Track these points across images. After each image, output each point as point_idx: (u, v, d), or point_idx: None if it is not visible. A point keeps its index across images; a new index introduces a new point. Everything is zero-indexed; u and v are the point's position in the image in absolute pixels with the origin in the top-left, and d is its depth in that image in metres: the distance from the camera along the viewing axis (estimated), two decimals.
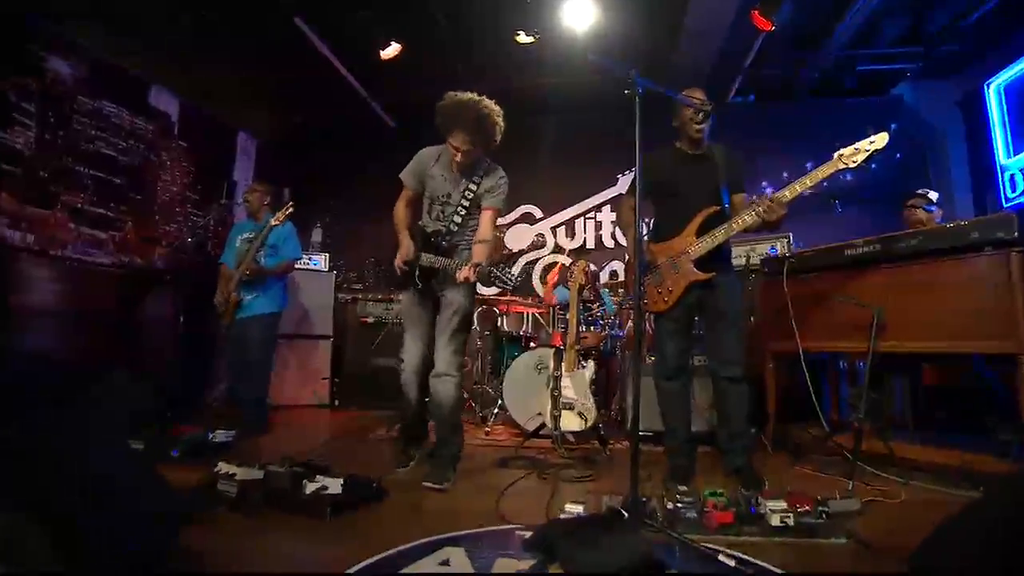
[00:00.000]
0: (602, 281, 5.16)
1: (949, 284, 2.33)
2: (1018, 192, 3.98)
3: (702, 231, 2.42)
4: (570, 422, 3.08)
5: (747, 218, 2.34)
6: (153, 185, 4.32)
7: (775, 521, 1.74)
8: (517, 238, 5.82)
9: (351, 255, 6.15)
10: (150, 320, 4.11)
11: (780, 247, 4.01)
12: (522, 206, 5.86)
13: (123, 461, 1.53)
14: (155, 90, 4.32)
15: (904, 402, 3.05)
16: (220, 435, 2.98)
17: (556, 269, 3.57)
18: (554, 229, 5.79)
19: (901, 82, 4.97)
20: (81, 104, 3.67)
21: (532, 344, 3.91)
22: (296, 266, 4.24)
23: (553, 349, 3.29)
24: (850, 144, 2.43)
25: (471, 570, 1.49)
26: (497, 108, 2.54)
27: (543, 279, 5.71)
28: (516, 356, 4.22)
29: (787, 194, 2.30)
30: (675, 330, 2.47)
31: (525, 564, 1.50)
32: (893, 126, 5.02)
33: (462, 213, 2.55)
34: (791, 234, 4.07)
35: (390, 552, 1.60)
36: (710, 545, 1.60)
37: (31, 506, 1.13)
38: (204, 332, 3.64)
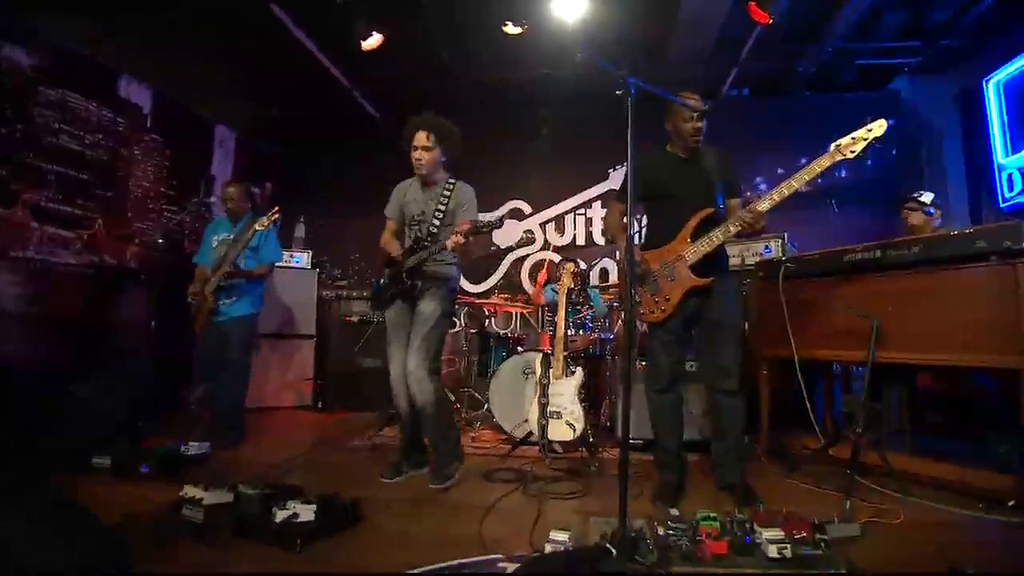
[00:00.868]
0: (592, 280, 5.05)
1: (951, 294, 2.24)
2: (1016, 192, 3.91)
3: (697, 235, 2.31)
4: (558, 431, 2.98)
5: (736, 224, 2.25)
6: (124, 181, 4.13)
7: (772, 552, 1.65)
8: (505, 234, 5.68)
9: (335, 251, 6.00)
10: (123, 322, 3.94)
11: (775, 247, 3.92)
12: (510, 202, 5.72)
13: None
14: (125, 80, 4.11)
15: (901, 406, 2.97)
16: (194, 447, 2.85)
17: (545, 268, 3.45)
18: (543, 225, 5.67)
19: (898, 77, 4.87)
20: (43, 96, 3.47)
21: (520, 348, 3.79)
22: (277, 264, 4.09)
23: (540, 354, 3.19)
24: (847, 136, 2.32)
25: None
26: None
27: (532, 277, 5.60)
28: (504, 357, 4.14)
29: (775, 197, 2.21)
30: (670, 341, 2.36)
31: None
32: (890, 121, 4.90)
33: (437, 224, 2.63)
34: (786, 234, 3.98)
35: None
36: None
37: None
38: (181, 333, 3.47)
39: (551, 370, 3.09)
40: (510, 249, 5.68)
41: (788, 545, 1.67)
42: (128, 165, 4.17)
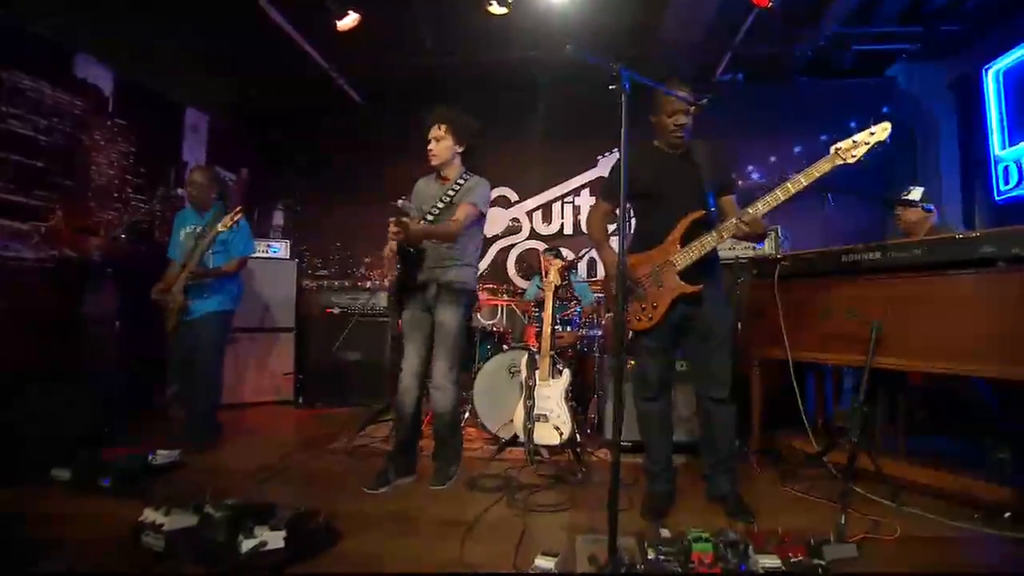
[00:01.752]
0: (580, 270, 4.91)
1: (955, 299, 2.15)
2: (1012, 185, 3.83)
3: (687, 239, 2.17)
4: (544, 435, 2.89)
5: (730, 232, 2.11)
6: (85, 169, 3.88)
7: None
8: (491, 223, 5.51)
9: (316, 239, 5.81)
10: (89, 319, 3.74)
11: (768, 241, 3.82)
12: (496, 189, 5.52)
13: None
14: (81, 60, 3.82)
15: (896, 409, 2.91)
16: (162, 456, 2.71)
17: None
18: (530, 213, 5.51)
19: (896, 62, 4.73)
20: None
21: (505, 346, 3.67)
22: (255, 255, 3.90)
23: (526, 354, 3.07)
24: (844, 133, 2.17)
25: None
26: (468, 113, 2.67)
27: (519, 267, 5.47)
28: (489, 351, 4.02)
29: (770, 202, 2.07)
30: (658, 349, 2.25)
31: None
32: (885, 109, 4.82)
33: (436, 212, 2.56)
34: (779, 227, 3.87)
35: None
36: None
37: None
38: (153, 328, 3.29)
39: (537, 371, 2.99)
40: (496, 238, 5.53)
41: (784, 572, 1.59)
42: (89, 152, 3.90)
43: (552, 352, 3.04)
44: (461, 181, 2.61)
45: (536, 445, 2.89)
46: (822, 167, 2.02)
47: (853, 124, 4.85)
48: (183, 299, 3.12)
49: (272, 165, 5.78)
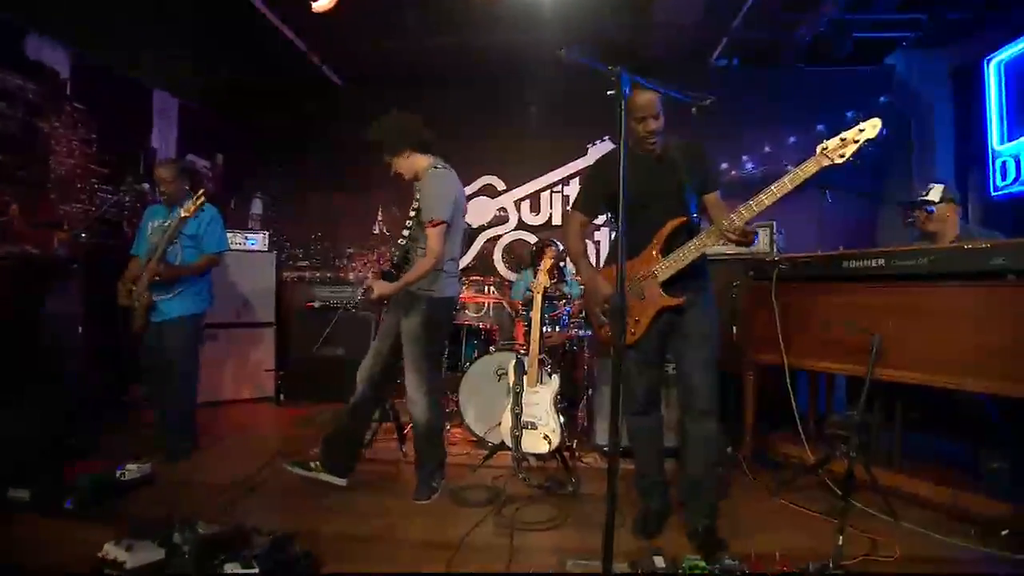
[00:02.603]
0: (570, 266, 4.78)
1: (962, 312, 2.07)
2: (1009, 180, 3.75)
3: (668, 247, 2.05)
4: (533, 443, 2.79)
5: (713, 239, 1.99)
6: (43, 158, 3.63)
7: None
8: (478, 213, 5.36)
9: (295, 229, 5.60)
10: (53, 319, 3.54)
11: (763, 236, 3.72)
12: (482, 177, 5.36)
13: None
14: (33, 40, 3.55)
15: (894, 419, 2.85)
16: (132, 471, 2.56)
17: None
18: (517, 203, 5.34)
19: (896, 51, 4.60)
20: None
21: (492, 347, 3.55)
22: (231, 247, 3.71)
23: (514, 359, 2.96)
24: (841, 123, 2.08)
25: None
26: (384, 117, 2.52)
27: (506, 258, 5.33)
28: (476, 348, 3.92)
29: (754, 208, 1.92)
30: (645, 362, 2.12)
31: None
32: (883, 98, 4.70)
33: (409, 227, 2.50)
34: (775, 222, 3.77)
35: None
36: None
37: None
38: (125, 327, 3.10)
39: (525, 376, 2.88)
40: (482, 228, 5.37)
41: None
42: (46, 140, 3.65)
43: (541, 355, 2.94)
44: (422, 180, 2.52)
45: (524, 453, 2.80)
46: (808, 169, 1.87)
47: (850, 114, 4.74)
48: (148, 296, 2.94)
49: (249, 151, 5.52)
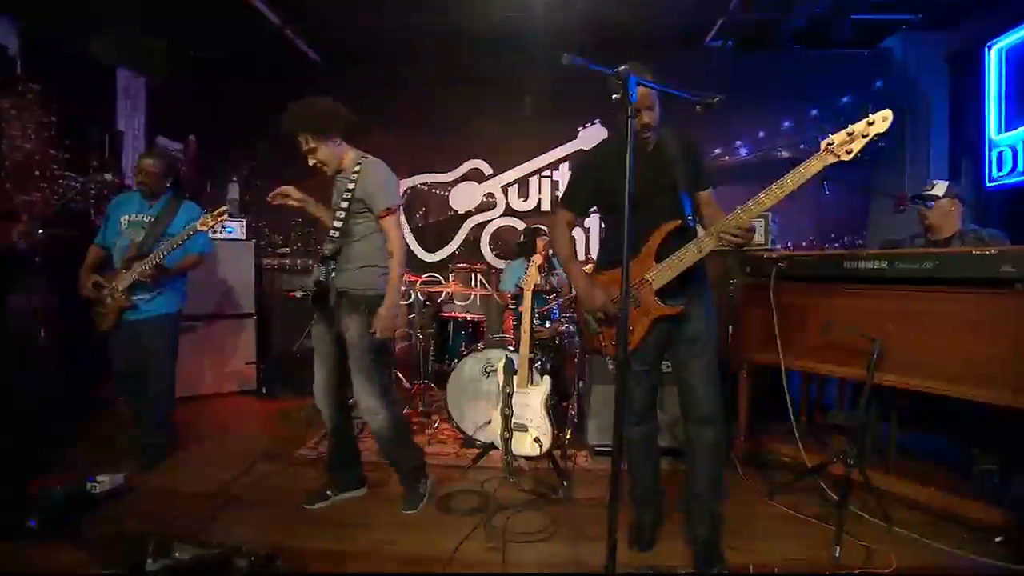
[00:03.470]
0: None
1: (966, 319, 2.02)
2: (1005, 172, 3.70)
3: (663, 252, 1.91)
4: (524, 446, 2.73)
5: (711, 244, 1.85)
6: None
7: None
8: (464, 198, 5.20)
9: (275, 214, 5.36)
10: (14, 317, 3.34)
11: (758, 226, 3.64)
12: (469, 161, 5.19)
13: None
14: None
15: (891, 421, 2.82)
16: (103, 482, 2.43)
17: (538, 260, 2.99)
18: (505, 188, 5.18)
19: (895, 33, 4.47)
20: None
21: (481, 343, 3.45)
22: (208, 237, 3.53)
23: (504, 359, 2.87)
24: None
25: None
26: (313, 99, 2.27)
27: (493, 245, 5.19)
28: (463, 339, 3.82)
29: (747, 211, 1.79)
30: (640, 372, 2.01)
31: None
32: (878, 83, 4.60)
33: (341, 218, 2.27)
34: (769, 214, 3.69)
35: None
36: None
37: None
38: (90, 324, 2.93)
39: (515, 377, 2.79)
40: (469, 214, 5.22)
41: None
42: None
43: (531, 356, 2.85)
44: (357, 169, 2.28)
45: (515, 456, 2.73)
46: (812, 167, 1.72)
47: (846, 99, 4.65)
48: (126, 298, 2.78)
49: (224, 132, 5.25)
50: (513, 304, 3.74)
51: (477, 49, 4.83)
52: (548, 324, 3.54)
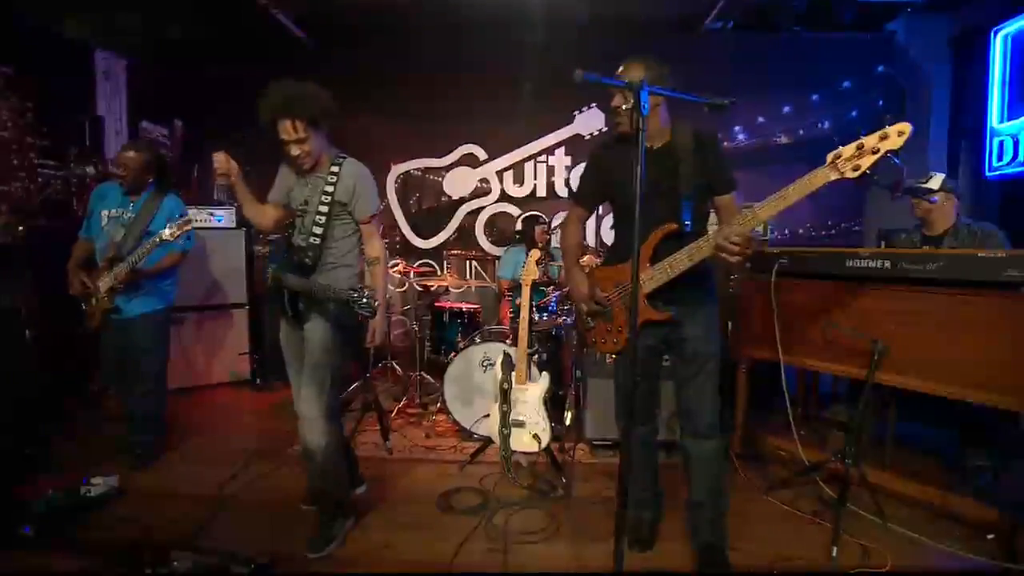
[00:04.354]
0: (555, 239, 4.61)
1: (968, 322, 2.01)
2: (1006, 161, 3.66)
3: (658, 256, 1.86)
4: (521, 442, 2.72)
5: (704, 253, 1.78)
6: None
7: None
8: (459, 184, 5.10)
9: (265, 198, 5.24)
10: None
11: None
12: (463, 146, 5.07)
13: None
14: None
15: (888, 419, 2.83)
16: (97, 484, 2.40)
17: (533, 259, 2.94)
18: (500, 174, 5.09)
19: (897, 16, 4.38)
20: None
21: (477, 336, 3.42)
22: (196, 225, 3.42)
23: (502, 354, 2.84)
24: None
25: None
26: (310, 84, 2.06)
27: (488, 231, 5.12)
28: (458, 332, 3.79)
29: (745, 223, 1.69)
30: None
31: None
32: (879, 68, 4.52)
33: (321, 223, 2.09)
34: None
35: None
36: None
37: None
38: (77, 320, 2.87)
39: (513, 373, 2.77)
40: (463, 200, 5.13)
41: None
42: None
43: (530, 351, 2.83)
44: (335, 169, 2.10)
45: (513, 452, 2.73)
46: (814, 181, 1.61)
47: (847, 84, 4.57)
48: (109, 300, 2.71)
49: (211, 115, 5.07)
50: (510, 295, 3.70)
51: (472, 31, 4.67)
52: (546, 316, 3.52)
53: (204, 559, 1.84)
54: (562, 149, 5.00)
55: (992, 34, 3.70)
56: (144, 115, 4.63)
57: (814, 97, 4.64)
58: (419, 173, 5.12)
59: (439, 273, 5.08)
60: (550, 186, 5.04)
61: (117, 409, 3.06)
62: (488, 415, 2.90)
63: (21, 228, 3.31)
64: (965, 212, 3.29)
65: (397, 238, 5.15)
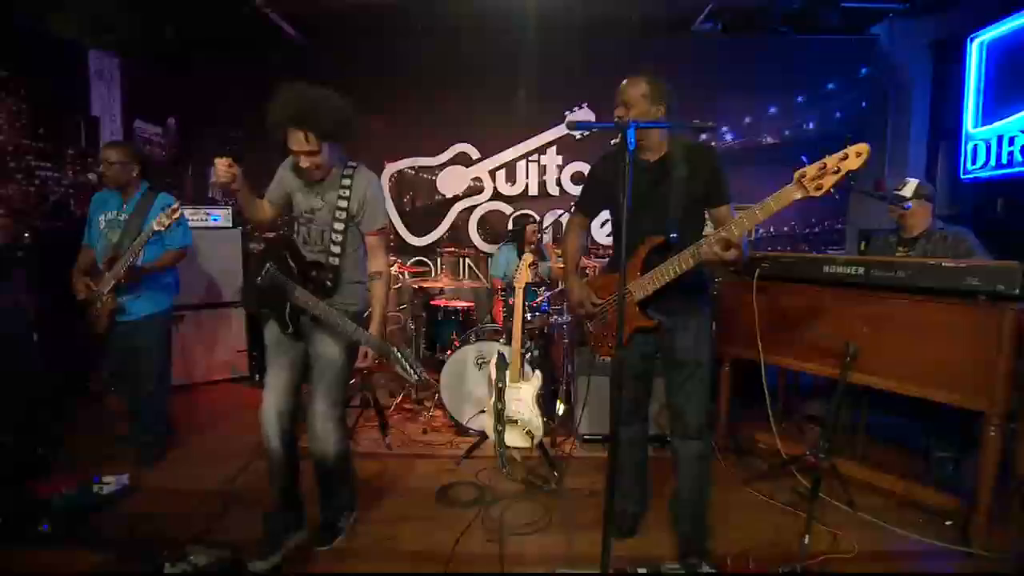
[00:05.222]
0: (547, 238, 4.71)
1: (932, 326, 2.15)
2: (979, 165, 3.82)
3: (648, 266, 1.96)
4: (515, 438, 2.86)
5: (691, 260, 1.87)
6: None
7: None
8: (452, 182, 5.18)
9: (259, 195, 5.29)
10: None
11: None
12: (456, 145, 5.15)
13: None
14: None
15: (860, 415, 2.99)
16: (109, 483, 2.50)
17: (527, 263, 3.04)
18: (493, 172, 5.17)
19: (882, 20, 4.49)
20: None
21: (471, 329, 3.53)
22: (192, 225, 3.47)
23: (496, 353, 2.97)
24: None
25: None
26: (330, 93, 1.97)
27: (481, 229, 5.22)
28: (452, 330, 3.90)
29: (721, 237, 1.77)
30: (627, 375, 2.09)
31: None
32: (864, 70, 4.64)
33: (339, 240, 2.06)
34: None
35: None
36: None
37: None
38: (80, 320, 2.93)
39: (507, 372, 2.89)
40: (456, 198, 5.21)
41: None
42: None
43: (522, 349, 2.95)
44: (347, 181, 2.06)
45: (508, 448, 2.86)
46: (781, 200, 1.69)
47: (831, 86, 4.69)
48: (113, 300, 2.78)
49: (205, 112, 5.10)
50: (503, 293, 3.82)
51: (465, 32, 4.73)
52: (538, 315, 3.63)
53: (219, 554, 1.95)
54: (554, 148, 5.09)
55: (968, 41, 3.83)
56: (139, 114, 4.65)
57: (800, 98, 4.76)
58: (413, 172, 5.20)
59: (433, 270, 5.18)
60: (542, 185, 5.14)
61: (119, 408, 3.15)
62: (483, 411, 3.03)
63: (27, 235, 3.35)
64: (942, 212, 3.42)
65: (391, 236, 5.23)
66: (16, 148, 3.60)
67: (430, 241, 5.26)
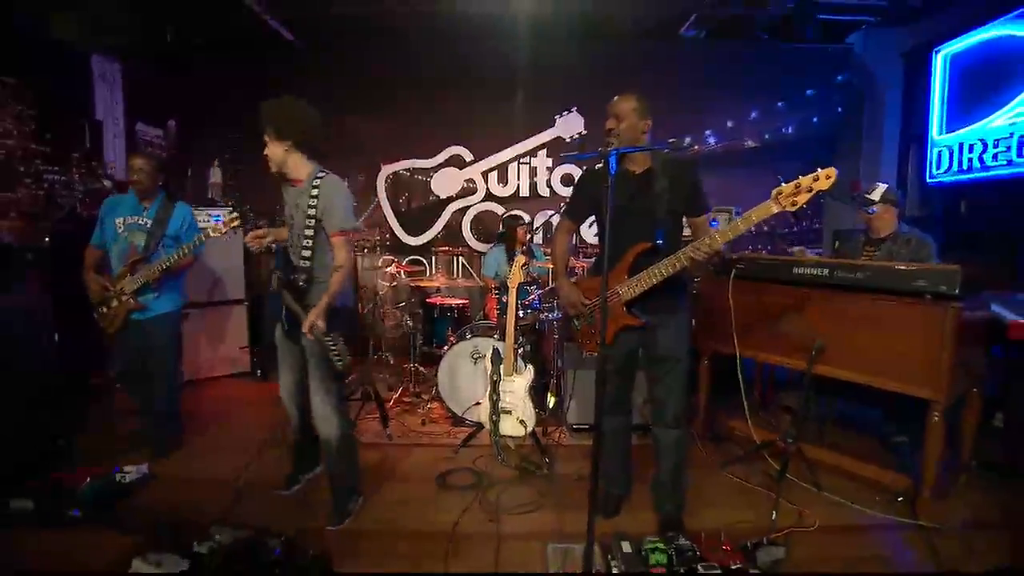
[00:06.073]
0: (537, 238, 4.91)
1: (887, 322, 2.38)
2: (942, 170, 4.07)
3: (635, 269, 2.17)
4: (509, 427, 3.07)
5: (676, 265, 2.08)
6: None
7: None
8: (445, 184, 5.36)
9: (259, 196, 5.44)
10: (11, 314, 3.42)
11: (722, 222, 3.95)
12: (450, 147, 5.32)
13: None
14: None
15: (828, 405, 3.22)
16: (130, 472, 2.67)
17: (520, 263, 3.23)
18: (485, 174, 5.35)
19: (858, 30, 4.72)
20: None
21: (466, 325, 3.73)
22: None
23: (491, 348, 3.17)
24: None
25: None
26: (298, 102, 2.26)
27: (474, 229, 5.40)
28: (447, 326, 4.10)
29: (702, 250, 2.03)
30: (611, 371, 2.27)
31: None
32: (840, 77, 4.87)
33: (308, 245, 2.25)
34: (733, 208, 4.01)
35: None
36: None
37: None
38: (90, 318, 3.07)
39: (501, 366, 3.09)
40: (450, 199, 5.39)
41: None
42: None
43: (515, 345, 3.15)
44: (316, 186, 2.23)
45: (502, 437, 3.07)
46: (759, 213, 1.94)
47: (810, 92, 4.92)
48: (135, 300, 2.93)
49: (203, 115, 5.22)
50: (496, 292, 4.00)
51: (458, 37, 4.88)
52: (530, 312, 3.83)
53: (241, 534, 2.13)
54: (544, 151, 5.28)
55: (933, 53, 4.07)
56: (140, 117, 4.76)
57: (780, 104, 4.98)
58: (408, 174, 5.36)
59: (428, 269, 5.36)
60: (532, 186, 5.33)
61: (128, 407, 3.29)
62: (478, 403, 3.23)
63: (46, 238, 3.47)
64: (914, 213, 3.64)
65: (388, 235, 5.40)
66: (24, 152, 3.71)
67: (425, 241, 5.43)
